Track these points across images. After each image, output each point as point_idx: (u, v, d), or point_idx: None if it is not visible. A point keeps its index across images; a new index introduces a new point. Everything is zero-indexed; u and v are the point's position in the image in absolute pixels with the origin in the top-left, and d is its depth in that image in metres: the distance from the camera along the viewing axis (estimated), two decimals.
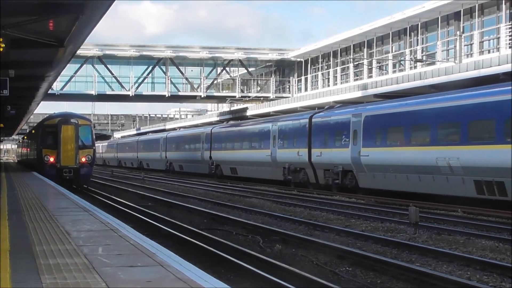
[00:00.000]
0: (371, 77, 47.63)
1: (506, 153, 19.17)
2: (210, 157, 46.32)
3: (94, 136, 33.00)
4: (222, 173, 44.63)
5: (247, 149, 39.82)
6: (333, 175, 29.62)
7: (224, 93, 65.20)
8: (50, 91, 41.42)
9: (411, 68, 43.08)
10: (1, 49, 15.15)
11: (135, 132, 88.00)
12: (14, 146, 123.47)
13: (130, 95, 58.13)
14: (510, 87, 20.19)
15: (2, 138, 77.62)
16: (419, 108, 24.23)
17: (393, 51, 47.05)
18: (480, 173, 20.46)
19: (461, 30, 39.63)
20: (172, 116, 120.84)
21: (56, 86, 53.29)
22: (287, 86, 62.16)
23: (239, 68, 62.15)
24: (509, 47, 34.64)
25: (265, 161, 36.71)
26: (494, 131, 20.07)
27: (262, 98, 60.71)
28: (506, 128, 19.50)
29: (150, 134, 71.83)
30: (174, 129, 68.15)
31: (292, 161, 33.69)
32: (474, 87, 23.51)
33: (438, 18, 41.41)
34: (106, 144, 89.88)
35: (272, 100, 57.21)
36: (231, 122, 51.50)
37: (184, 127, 66.31)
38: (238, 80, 61.48)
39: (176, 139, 56.22)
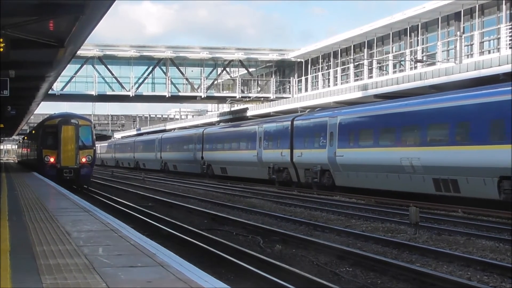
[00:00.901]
0: (371, 77, 47.62)
1: (458, 154, 21.59)
2: (202, 157, 48.27)
3: (94, 137, 33.00)
4: (213, 173, 46.44)
5: (235, 149, 42.03)
6: (313, 174, 31.57)
7: (225, 93, 65.17)
8: (50, 92, 41.41)
9: (411, 68, 43.07)
10: (1, 50, 15.16)
11: (131, 133, 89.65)
12: (14, 147, 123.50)
13: (131, 95, 58.10)
14: (460, 95, 22.92)
15: (2, 138, 77.64)
16: (385, 112, 26.56)
17: (394, 51, 47.04)
18: (438, 172, 22.70)
19: (462, 31, 39.61)
20: (172, 116, 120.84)
21: (56, 87, 53.27)
22: (288, 87, 62.15)
23: (240, 69, 62.13)
24: (509, 48, 34.63)
25: (252, 161, 38.74)
26: (448, 134, 22.41)
27: (262, 99, 60.69)
28: (457, 131, 22.02)
29: (145, 135, 73.48)
30: (168, 130, 70.00)
31: (276, 161, 35.67)
32: (435, 93, 26.35)
33: (438, 18, 41.39)
34: (104, 145, 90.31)
35: (272, 100, 57.19)
36: (222, 124, 53.42)
37: (179, 128, 67.68)
38: (239, 81, 61.46)
39: (170, 140, 58.39)
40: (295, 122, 34.16)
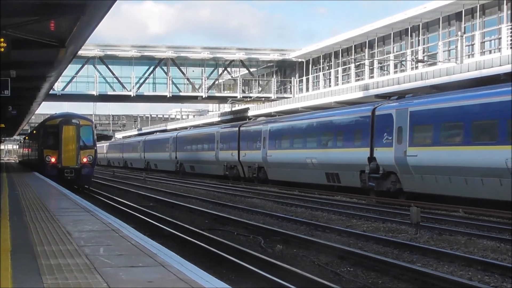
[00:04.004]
0: (372, 77, 47.60)
1: (339, 154, 28.93)
2: (176, 157, 55.75)
3: (95, 137, 32.99)
4: (185, 170, 53.72)
5: (200, 150, 49.64)
6: (253, 170, 39.21)
7: (226, 93, 65.18)
8: (51, 92, 41.42)
9: (412, 68, 43.05)
10: (3, 50, 15.17)
11: (124, 134, 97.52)
12: (16, 147, 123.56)
13: (132, 95, 58.10)
14: (339, 111, 31.49)
15: (3, 138, 77.70)
16: (297, 122, 34.61)
17: (395, 51, 47.02)
18: (327, 168, 30.27)
19: (463, 31, 39.59)
20: (173, 116, 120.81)
21: (58, 87, 53.26)
22: (289, 87, 62.15)
23: (241, 69, 62.14)
24: (510, 48, 34.61)
25: (212, 160, 46.28)
26: (332, 139, 30.10)
27: (263, 99, 60.69)
28: (337, 138, 29.49)
29: (132, 137, 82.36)
30: (151, 132, 78.12)
31: (229, 160, 43.15)
32: (328, 108, 35.77)
33: (439, 18, 41.36)
34: (98, 145, 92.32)
35: (273, 100, 57.19)
36: (191, 128, 60.74)
37: (160, 131, 74.61)
38: (240, 81, 61.47)
39: (151, 142, 65.21)
40: (241, 128, 41.85)
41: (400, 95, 28.17)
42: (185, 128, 64.89)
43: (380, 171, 25.75)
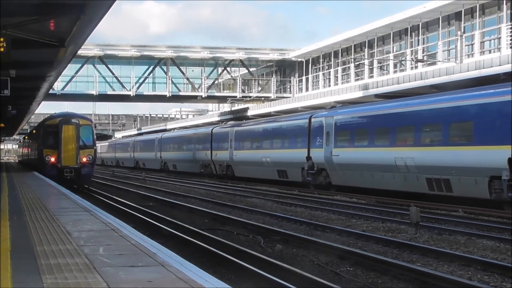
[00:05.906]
0: (372, 77, 47.59)
1: (286, 154, 34.36)
2: (160, 157, 61.18)
3: (95, 136, 32.98)
4: (168, 169, 59.08)
5: (181, 150, 55.16)
6: (223, 168, 44.63)
7: (225, 93, 65.16)
8: (51, 91, 41.41)
9: (412, 68, 43.04)
10: (2, 49, 15.17)
11: (118, 136, 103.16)
12: (15, 146, 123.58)
13: (131, 95, 58.08)
14: (286, 119, 37.69)
15: (3, 138, 77.72)
16: (255, 127, 40.67)
17: (394, 51, 47.01)
18: (279, 166, 35.71)
19: (462, 30, 39.59)
20: (173, 116, 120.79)
21: (57, 86, 53.23)
22: (288, 86, 62.14)
23: (240, 68, 62.12)
24: (510, 47, 34.60)
25: (190, 159, 52.06)
26: (281, 142, 35.68)
27: (263, 98, 60.67)
28: (285, 141, 35.11)
29: (124, 138, 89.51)
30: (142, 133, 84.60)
31: (204, 159, 48.56)
32: (278, 116, 42.99)
33: (439, 18, 41.37)
34: None
35: (273, 100, 57.18)
36: (174, 130, 66.59)
37: (147, 133, 79.80)
38: (239, 80, 61.45)
39: (140, 143, 71.31)
40: (213, 131, 47.10)
41: (333, 105, 34.02)
42: (170, 130, 70.48)
43: (315, 168, 31.47)
